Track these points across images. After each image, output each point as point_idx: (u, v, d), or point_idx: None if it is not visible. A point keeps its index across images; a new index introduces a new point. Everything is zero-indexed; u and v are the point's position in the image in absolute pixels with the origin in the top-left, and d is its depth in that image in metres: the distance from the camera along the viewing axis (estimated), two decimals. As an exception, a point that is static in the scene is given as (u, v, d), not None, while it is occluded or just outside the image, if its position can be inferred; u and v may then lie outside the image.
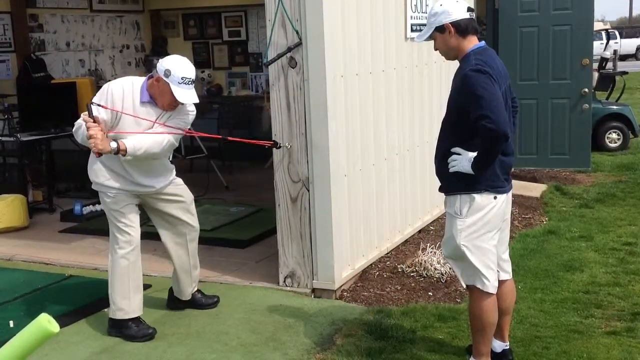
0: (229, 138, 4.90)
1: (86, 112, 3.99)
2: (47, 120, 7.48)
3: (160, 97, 4.05)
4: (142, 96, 4.07)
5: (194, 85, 4.05)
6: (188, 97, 4.01)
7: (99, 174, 4.18)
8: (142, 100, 4.07)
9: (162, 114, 4.12)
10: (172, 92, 3.96)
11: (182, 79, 3.96)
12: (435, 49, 3.59)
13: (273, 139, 4.78)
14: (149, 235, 4.53)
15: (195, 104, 4.22)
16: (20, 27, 8.65)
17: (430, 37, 3.54)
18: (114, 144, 3.92)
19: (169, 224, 4.42)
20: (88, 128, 3.88)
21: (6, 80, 8.49)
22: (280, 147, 4.74)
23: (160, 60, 4.09)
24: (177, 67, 3.98)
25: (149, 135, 4.04)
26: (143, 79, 4.15)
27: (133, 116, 4.02)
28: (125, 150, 3.94)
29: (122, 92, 4.05)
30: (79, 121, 4.05)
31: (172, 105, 4.08)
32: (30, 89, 8.05)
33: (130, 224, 4.19)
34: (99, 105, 3.98)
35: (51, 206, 7.49)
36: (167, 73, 3.96)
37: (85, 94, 8.15)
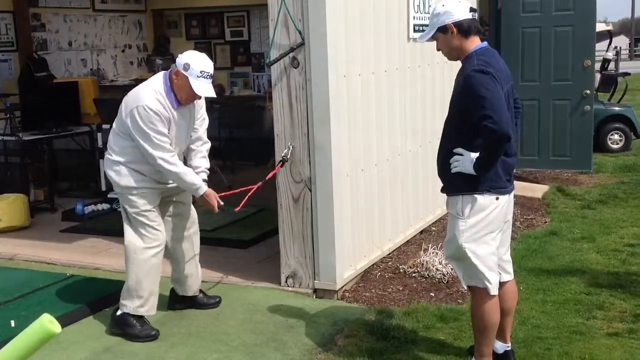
0: (255, 186, 4.82)
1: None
2: (49, 119, 7.49)
3: (178, 91, 4.11)
4: (173, 103, 4.12)
5: (212, 80, 4.12)
6: (206, 90, 4.09)
7: (130, 178, 4.19)
8: (174, 108, 4.13)
9: (185, 112, 4.21)
10: (190, 87, 4.03)
11: (200, 72, 4.03)
12: (438, 50, 3.58)
13: (278, 157, 4.76)
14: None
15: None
16: (23, 26, 8.65)
17: (433, 38, 3.53)
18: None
19: (179, 217, 4.47)
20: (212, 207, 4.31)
21: (8, 79, 8.50)
22: (287, 159, 4.74)
23: (179, 55, 4.15)
24: (196, 60, 4.06)
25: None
26: (161, 83, 4.11)
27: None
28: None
29: (164, 109, 4.08)
30: (179, 163, 4.17)
31: (190, 99, 4.15)
32: (32, 89, 8.05)
33: (160, 223, 4.28)
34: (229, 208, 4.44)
35: (53, 205, 7.50)
36: (187, 67, 4.02)
37: (87, 93, 8.18)
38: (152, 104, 4.02)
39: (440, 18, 3.45)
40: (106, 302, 4.66)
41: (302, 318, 4.45)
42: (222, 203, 4.37)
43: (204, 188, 4.27)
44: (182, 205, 4.46)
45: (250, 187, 4.68)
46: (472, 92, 3.27)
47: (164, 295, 4.74)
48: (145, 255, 4.22)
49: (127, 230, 4.25)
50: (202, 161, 4.45)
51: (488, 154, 3.29)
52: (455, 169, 3.41)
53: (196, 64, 4.04)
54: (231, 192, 4.75)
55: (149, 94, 4.06)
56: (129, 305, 4.25)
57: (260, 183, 4.70)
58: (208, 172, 4.48)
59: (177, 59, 4.11)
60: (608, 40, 11.46)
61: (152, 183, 4.23)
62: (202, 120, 4.45)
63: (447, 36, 3.46)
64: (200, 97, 4.21)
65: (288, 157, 4.73)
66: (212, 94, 4.12)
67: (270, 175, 4.77)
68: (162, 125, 4.05)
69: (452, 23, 3.42)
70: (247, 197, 4.66)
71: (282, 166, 4.76)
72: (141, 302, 4.25)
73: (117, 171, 4.21)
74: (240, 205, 4.65)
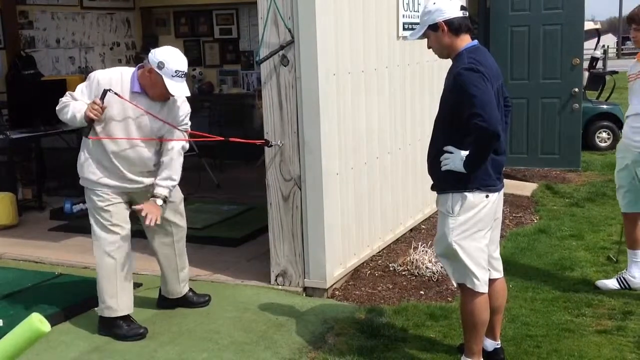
0: (222, 138, 4.86)
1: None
2: (37, 117, 7.44)
3: (151, 89, 4.02)
4: (134, 86, 4.03)
5: (186, 78, 4.02)
6: (181, 90, 3.97)
7: (87, 169, 4.14)
8: (133, 91, 4.03)
9: (152, 106, 4.07)
10: (164, 85, 3.92)
11: (175, 72, 3.92)
12: (429, 47, 3.58)
13: (265, 137, 4.77)
14: (141, 233, 4.51)
15: (188, 102, 4.21)
16: (10, 24, 8.58)
17: (424, 35, 3.54)
18: (159, 201, 4.10)
19: (160, 223, 4.38)
20: (93, 108, 3.88)
21: (-5, 77, 8.44)
22: (272, 145, 4.73)
23: (152, 50, 4.03)
24: (171, 59, 3.94)
25: (177, 166, 4.16)
26: (132, 69, 4.11)
27: (131, 103, 4.01)
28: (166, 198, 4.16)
29: (110, 82, 4.01)
30: (65, 100, 4.03)
31: (163, 96, 4.04)
32: (20, 87, 8.00)
33: (117, 223, 4.15)
34: (115, 93, 3.95)
35: (41, 204, 7.45)
36: (161, 65, 3.91)
37: (76, 91, 8.12)
38: (100, 73, 4.06)
39: (431, 16, 3.45)
40: (95, 301, 4.59)
41: (293, 316, 4.45)
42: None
43: (83, 109, 3.96)
44: (171, 210, 4.36)
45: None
46: (462, 90, 3.28)
47: (153, 294, 4.73)
48: (101, 255, 4.15)
49: (91, 228, 4.23)
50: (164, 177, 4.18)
51: (478, 152, 3.30)
52: (446, 167, 3.42)
53: (171, 63, 3.91)
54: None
55: (109, 70, 4.14)
56: (99, 306, 4.23)
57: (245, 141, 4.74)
58: (170, 190, 4.19)
59: (150, 55, 3.97)
60: (596, 39, 11.51)
61: (114, 179, 4.12)
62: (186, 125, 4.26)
63: (437, 34, 3.46)
64: (174, 96, 4.07)
65: (273, 144, 4.72)
66: (186, 93, 3.99)
67: (251, 141, 4.74)
68: (88, 86, 4.02)
69: (443, 21, 3.42)
70: (210, 138, 4.77)
71: (264, 144, 4.73)
72: (104, 304, 4.20)
73: (83, 165, 4.16)
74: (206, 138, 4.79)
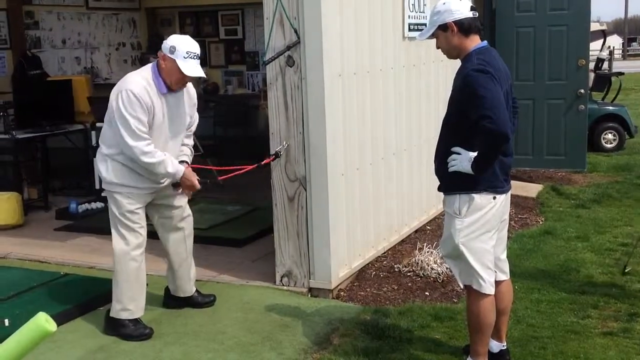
0: (254, 166, 4.83)
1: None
2: (43, 117, 7.46)
3: (168, 76, 4.07)
4: (162, 88, 4.09)
5: (199, 60, 4.08)
6: (194, 70, 4.05)
7: (117, 173, 4.13)
8: (162, 93, 4.09)
9: (179, 99, 4.19)
10: (178, 68, 4.00)
11: (187, 52, 4.02)
12: (437, 48, 3.57)
13: (269, 138, 4.76)
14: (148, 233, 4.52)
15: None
16: (16, 24, 8.62)
17: (433, 35, 3.53)
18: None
19: (169, 219, 4.40)
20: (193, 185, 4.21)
21: (1, 77, 8.46)
22: (280, 155, 4.73)
23: (164, 40, 4.13)
24: (182, 42, 4.05)
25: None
26: (149, 70, 4.11)
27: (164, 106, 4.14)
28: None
29: (149, 96, 4.03)
30: (158, 155, 4.03)
31: (180, 82, 4.11)
32: (25, 87, 8.02)
33: (143, 225, 4.21)
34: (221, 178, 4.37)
35: (46, 204, 7.47)
36: (172, 49, 4.01)
37: (81, 91, 8.14)
38: (136, 89, 3.98)
39: (441, 16, 3.44)
40: (100, 300, 4.64)
41: (298, 317, 4.45)
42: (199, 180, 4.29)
43: (181, 170, 4.15)
44: (176, 207, 4.39)
45: (241, 167, 4.74)
46: (471, 91, 3.27)
47: (159, 294, 4.74)
48: (126, 258, 4.16)
49: (113, 232, 4.22)
50: (186, 140, 4.42)
51: (486, 154, 3.29)
52: (453, 168, 3.41)
53: (182, 46, 4.02)
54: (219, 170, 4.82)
55: (136, 80, 4.05)
56: (114, 308, 4.24)
57: (250, 167, 4.74)
58: (191, 150, 4.48)
59: (163, 44, 4.08)
60: (602, 40, 11.50)
61: (139, 182, 4.14)
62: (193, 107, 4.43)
63: (447, 34, 3.45)
64: (189, 80, 4.15)
65: (281, 153, 4.72)
66: (200, 73, 4.08)
67: (263, 162, 4.76)
68: (142, 112, 3.97)
69: (453, 21, 3.41)
70: (234, 173, 4.74)
71: (273, 159, 4.74)
72: (122, 306, 4.21)
73: (106, 165, 4.17)
74: (225, 176, 4.79)
